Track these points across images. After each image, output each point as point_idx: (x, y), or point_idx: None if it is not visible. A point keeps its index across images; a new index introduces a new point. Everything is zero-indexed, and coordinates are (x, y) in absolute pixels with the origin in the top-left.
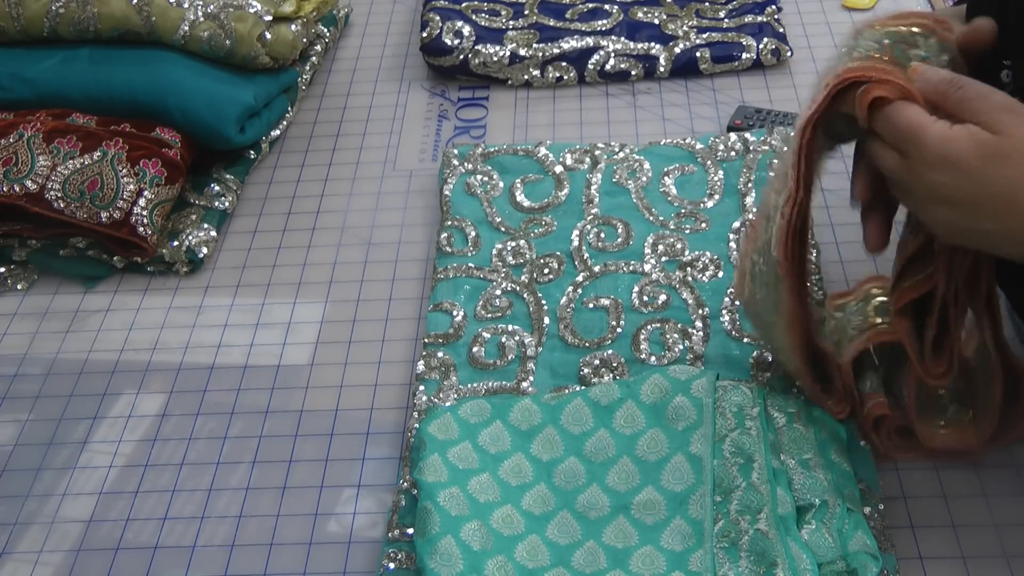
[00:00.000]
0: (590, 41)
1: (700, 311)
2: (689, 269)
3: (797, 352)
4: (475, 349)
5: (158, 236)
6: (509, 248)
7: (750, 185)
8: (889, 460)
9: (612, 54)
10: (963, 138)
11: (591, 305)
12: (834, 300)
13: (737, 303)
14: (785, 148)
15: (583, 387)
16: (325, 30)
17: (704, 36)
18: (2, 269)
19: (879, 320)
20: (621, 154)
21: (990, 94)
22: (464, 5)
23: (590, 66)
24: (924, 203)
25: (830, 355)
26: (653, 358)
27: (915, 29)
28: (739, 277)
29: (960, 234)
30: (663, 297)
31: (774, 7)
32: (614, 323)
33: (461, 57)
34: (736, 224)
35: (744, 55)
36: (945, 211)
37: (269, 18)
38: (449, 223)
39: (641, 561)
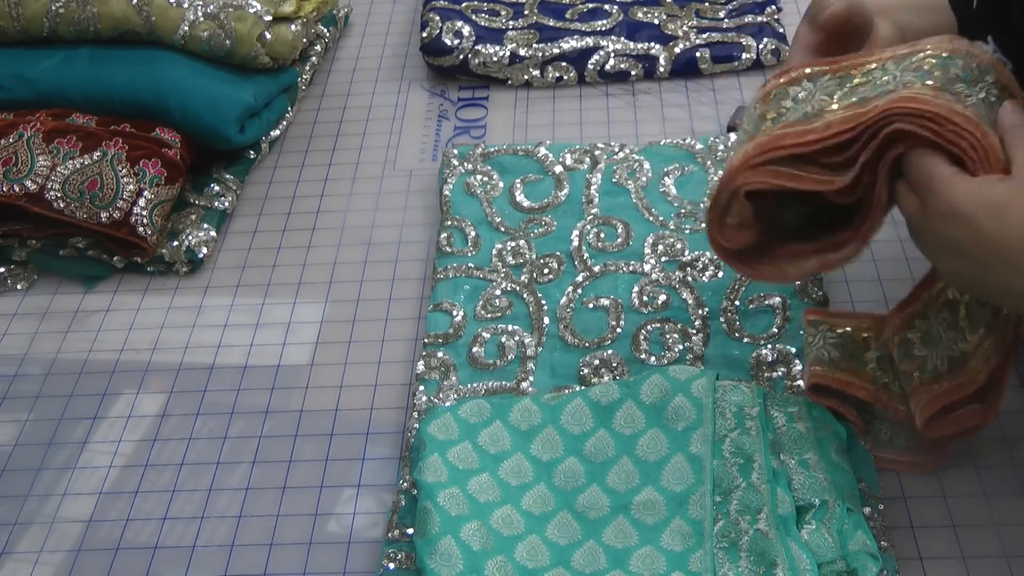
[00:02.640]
0: (590, 41)
1: (700, 311)
2: (689, 269)
3: None
4: (475, 349)
5: (158, 236)
6: (509, 248)
7: None
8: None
9: (612, 54)
10: (972, 191)
11: (591, 305)
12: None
13: (737, 303)
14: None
15: (583, 387)
16: (325, 30)
17: (704, 36)
18: (2, 269)
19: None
20: (621, 154)
21: None
22: (464, 5)
23: (590, 66)
24: (936, 253)
25: None
26: (653, 358)
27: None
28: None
29: (970, 286)
30: (663, 297)
31: (774, 7)
32: (614, 323)
33: (461, 57)
34: None
35: (744, 55)
36: (956, 263)
37: (269, 18)
38: (449, 223)
39: (641, 561)
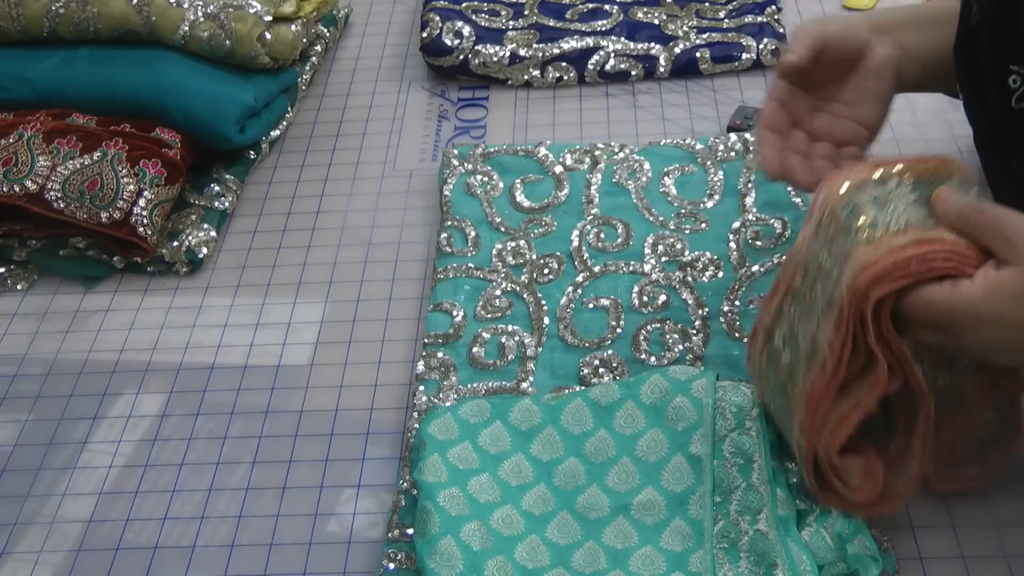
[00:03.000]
0: (590, 41)
1: (700, 311)
2: (689, 269)
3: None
4: (475, 349)
5: (158, 236)
6: (509, 248)
7: (750, 185)
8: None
9: (612, 54)
10: (981, 293)
11: (591, 305)
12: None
13: (737, 304)
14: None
15: (583, 387)
16: (325, 30)
17: (704, 36)
18: (2, 269)
19: None
20: (621, 154)
21: (1006, 218)
22: (464, 5)
23: (590, 66)
24: (985, 357)
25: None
26: (653, 358)
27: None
28: (753, 347)
29: (1013, 361)
30: (663, 297)
31: (774, 7)
32: (614, 323)
33: (461, 57)
34: (736, 224)
35: (744, 55)
36: (1000, 358)
37: (269, 18)
38: (449, 223)
39: (641, 561)
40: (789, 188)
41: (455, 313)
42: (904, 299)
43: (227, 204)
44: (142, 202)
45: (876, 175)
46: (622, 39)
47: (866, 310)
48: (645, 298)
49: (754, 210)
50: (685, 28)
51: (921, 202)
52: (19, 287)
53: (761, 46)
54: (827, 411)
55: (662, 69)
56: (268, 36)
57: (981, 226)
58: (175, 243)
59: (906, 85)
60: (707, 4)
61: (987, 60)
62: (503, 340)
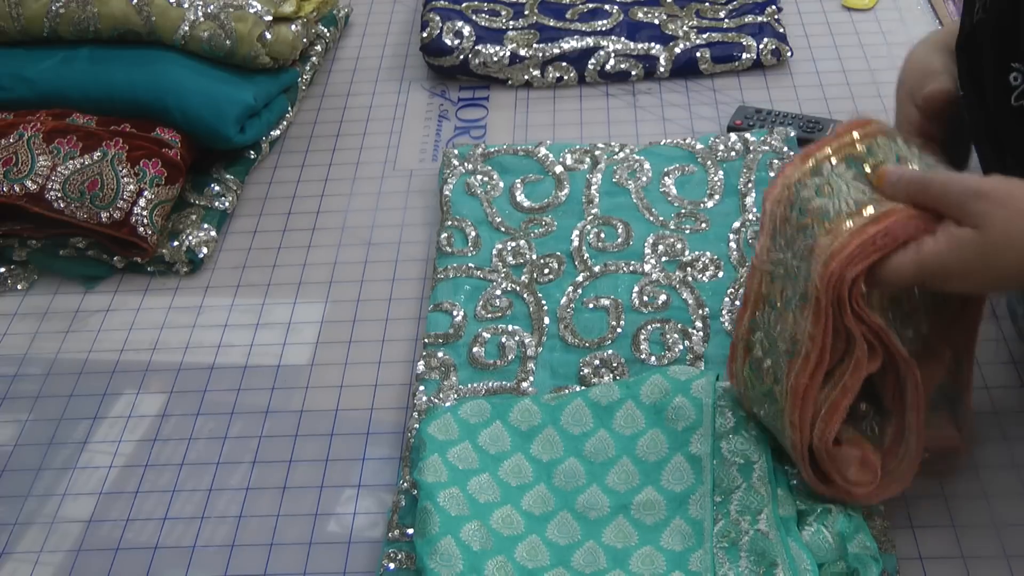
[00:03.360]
0: (590, 41)
1: (700, 311)
2: (689, 269)
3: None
4: (475, 349)
5: (158, 236)
6: (509, 248)
7: (750, 185)
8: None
9: (612, 54)
10: (945, 249)
11: (591, 305)
12: None
13: (737, 304)
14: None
15: (583, 387)
16: (325, 30)
17: (704, 36)
18: (2, 269)
19: None
20: (621, 154)
21: (952, 183)
22: (464, 5)
23: (590, 66)
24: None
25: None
26: (653, 358)
27: (859, 147)
28: (734, 364)
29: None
30: (663, 297)
31: (774, 7)
32: (614, 323)
33: (461, 57)
34: (736, 224)
35: (744, 55)
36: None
37: (269, 18)
38: (449, 223)
39: (641, 561)
40: None
41: (455, 313)
42: (874, 272)
43: (227, 204)
44: (142, 202)
45: (808, 165)
46: (622, 39)
47: (843, 292)
48: (645, 298)
49: (754, 210)
50: (685, 28)
51: (859, 177)
52: (19, 287)
53: (761, 46)
54: (816, 400)
55: (662, 69)
56: (268, 36)
57: (929, 198)
58: (175, 243)
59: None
60: (707, 4)
61: (988, 57)
62: (503, 340)
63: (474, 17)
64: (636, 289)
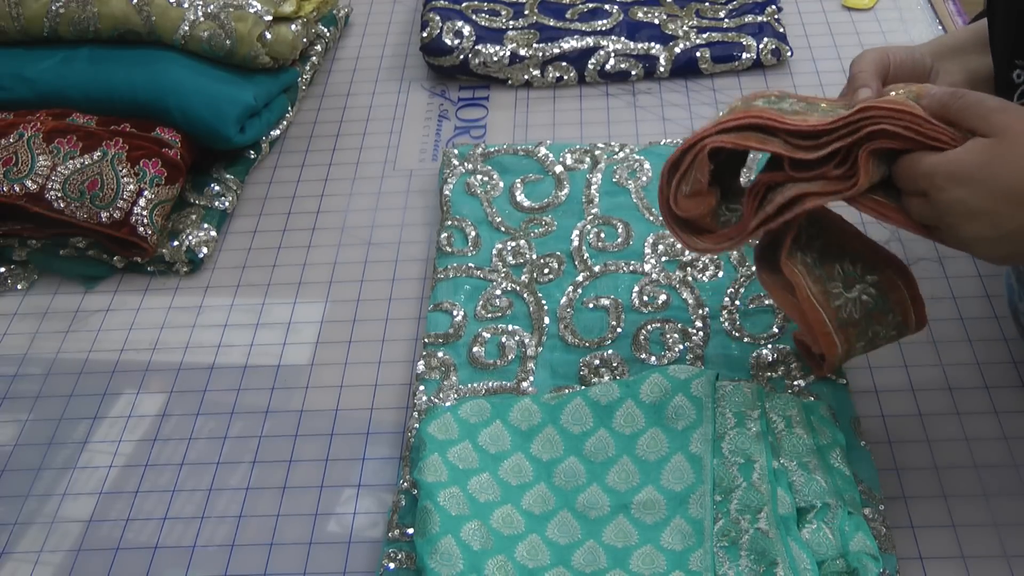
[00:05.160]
0: (590, 41)
1: (700, 311)
2: (689, 269)
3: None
4: (475, 349)
5: (158, 236)
6: (509, 248)
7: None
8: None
9: (612, 54)
10: (961, 152)
11: (591, 305)
12: None
13: (737, 303)
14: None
15: (583, 387)
16: (325, 30)
17: (704, 36)
18: (2, 269)
19: None
20: (621, 154)
21: (984, 99)
22: (464, 5)
23: (590, 66)
24: (955, 230)
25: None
26: (653, 358)
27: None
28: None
29: (994, 248)
30: (663, 297)
31: (774, 7)
32: (614, 323)
33: (461, 57)
34: None
35: (744, 55)
36: (973, 228)
37: (269, 18)
38: (449, 223)
39: (641, 560)
40: None
41: (455, 313)
42: (897, 165)
43: (227, 204)
44: (142, 202)
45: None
46: (622, 39)
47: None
48: (645, 298)
49: None
50: (685, 28)
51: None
52: (19, 287)
53: (761, 46)
54: (747, 124)
55: (662, 69)
56: (268, 36)
57: (962, 108)
58: (175, 243)
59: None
60: (707, 4)
61: (993, 54)
62: (503, 340)
63: (474, 17)
64: (636, 289)
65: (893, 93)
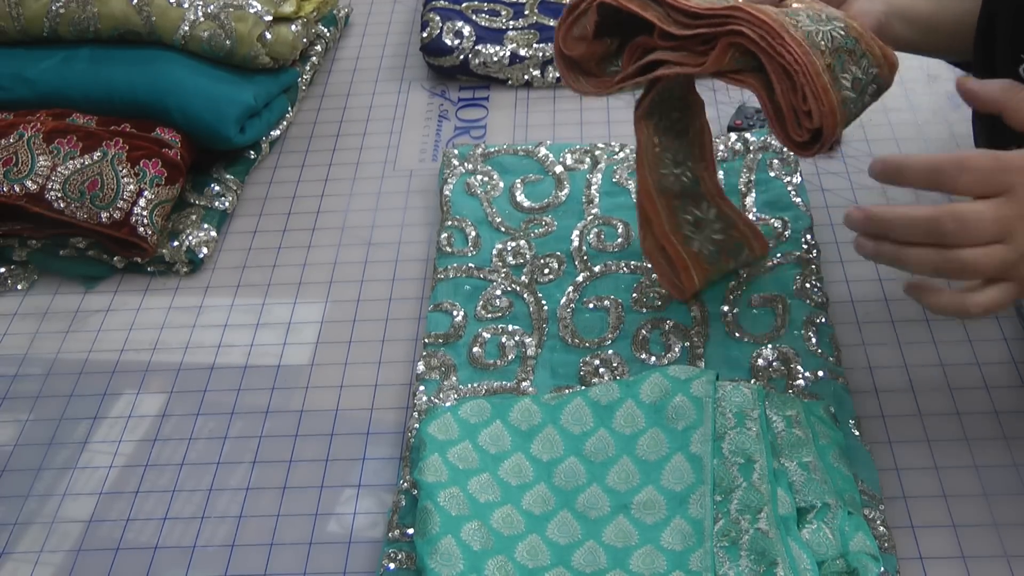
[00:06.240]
0: None
1: (700, 311)
2: None
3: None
4: (475, 349)
5: (158, 236)
6: (509, 248)
7: (750, 185)
8: None
9: None
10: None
11: (591, 305)
12: None
13: (737, 304)
14: None
15: (583, 387)
16: (325, 30)
17: None
18: (2, 269)
19: None
20: (621, 154)
21: (971, 160)
22: (464, 5)
23: None
24: None
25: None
26: (653, 358)
27: (847, 35)
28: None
29: None
30: (663, 297)
31: None
32: (614, 323)
33: (461, 57)
34: None
35: None
36: None
37: (269, 18)
38: (449, 223)
39: (641, 560)
40: (789, 188)
41: (455, 313)
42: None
43: (227, 204)
44: (142, 202)
45: None
46: None
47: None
48: (645, 298)
49: (754, 210)
50: None
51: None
52: (19, 287)
53: None
54: None
55: None
56: (268, 36)
57: (947, 178)
58: (175, 243)
59: (896, 44)
60: None
61: (1000, 49)
62: (503, 340)
63: (474, 17)
64: (636, 289)
65: (796, 4)
